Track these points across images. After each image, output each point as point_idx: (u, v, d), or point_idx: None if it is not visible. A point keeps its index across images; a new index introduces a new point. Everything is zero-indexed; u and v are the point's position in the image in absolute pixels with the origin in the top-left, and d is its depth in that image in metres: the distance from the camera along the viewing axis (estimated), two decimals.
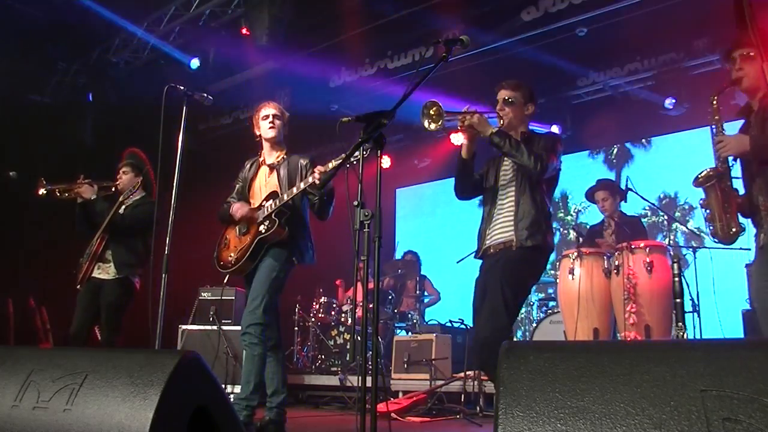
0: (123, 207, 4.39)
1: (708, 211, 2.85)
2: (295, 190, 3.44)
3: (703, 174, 2.84)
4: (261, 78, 7.30)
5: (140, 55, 7.18)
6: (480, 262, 3.20)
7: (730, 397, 1.07)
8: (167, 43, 6.93)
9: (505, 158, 3.13)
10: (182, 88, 3.26)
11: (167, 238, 3.13)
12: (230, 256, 3.55)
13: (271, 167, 3.65)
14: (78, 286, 4.36)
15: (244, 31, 6.24)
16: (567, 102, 6.91)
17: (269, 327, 3.39)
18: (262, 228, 3.45)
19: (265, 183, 3.65)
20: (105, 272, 4.31)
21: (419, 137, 8.28)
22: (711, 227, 2.84)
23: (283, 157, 3.65)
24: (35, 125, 7.02)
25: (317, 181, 3.30)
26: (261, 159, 3.72)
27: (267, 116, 3.63)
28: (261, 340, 3.34)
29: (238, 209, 3.56)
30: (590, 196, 5.30)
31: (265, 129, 3.63)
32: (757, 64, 2.69)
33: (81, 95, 7.32)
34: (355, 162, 2.85)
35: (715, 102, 2.83)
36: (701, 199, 2.89)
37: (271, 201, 3.51)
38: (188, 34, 6.79)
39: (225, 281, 3.23)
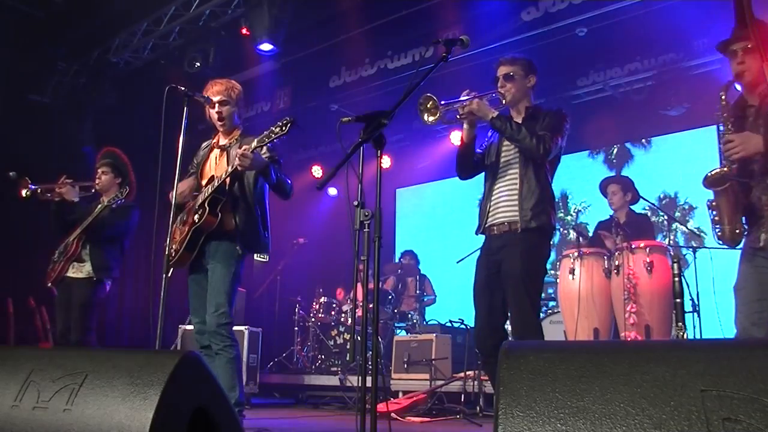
0: (102, 209, 4.28)
1: (715, 213, 2.67)
2: (223, 175, 3.23)
3: (715, 173, 2.59)
4: (261, 78, 7.29)
5: (140, 55, 7.19)
6: (482, 238, 3.15)
7: (730, 397, 1.07)
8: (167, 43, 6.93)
9: None
10: (183, 88, 3.24)
11: (167, 238, 3.12)
12: (172, 247, 3.26)
13: (222, 149, 3.42)
14: (49, 284, 4.35)
15: (244, 31, 6.24)
16: (567, 102, 6.90)
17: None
18: (195, 217, 3.23)
19: (215, 166, 3.42)
20: (78, 271, 4.30)
21: (419, 137, 8.28)
22: (719, 229, 2.66)
23: (236, 139, 3.40)
24: (35, 125, 7.02)
25: (239, 167, 3.13)
26: (214, 141, 3.53)
27: (213, 104, 3.40)
28: (233, 340, 3.15)
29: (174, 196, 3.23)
30: (603, 188, 5.26)
31: (214, 119, 3.44)
32: (757, 57, 2.61)
33: (81, 95, 7.32)
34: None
35: (723, 98, 2.67)
36: (709, 200, 2.69)
37: (209, 186, 3.29)
38: (188, 34, 6.79)
39: (169, 274, 3.05)
